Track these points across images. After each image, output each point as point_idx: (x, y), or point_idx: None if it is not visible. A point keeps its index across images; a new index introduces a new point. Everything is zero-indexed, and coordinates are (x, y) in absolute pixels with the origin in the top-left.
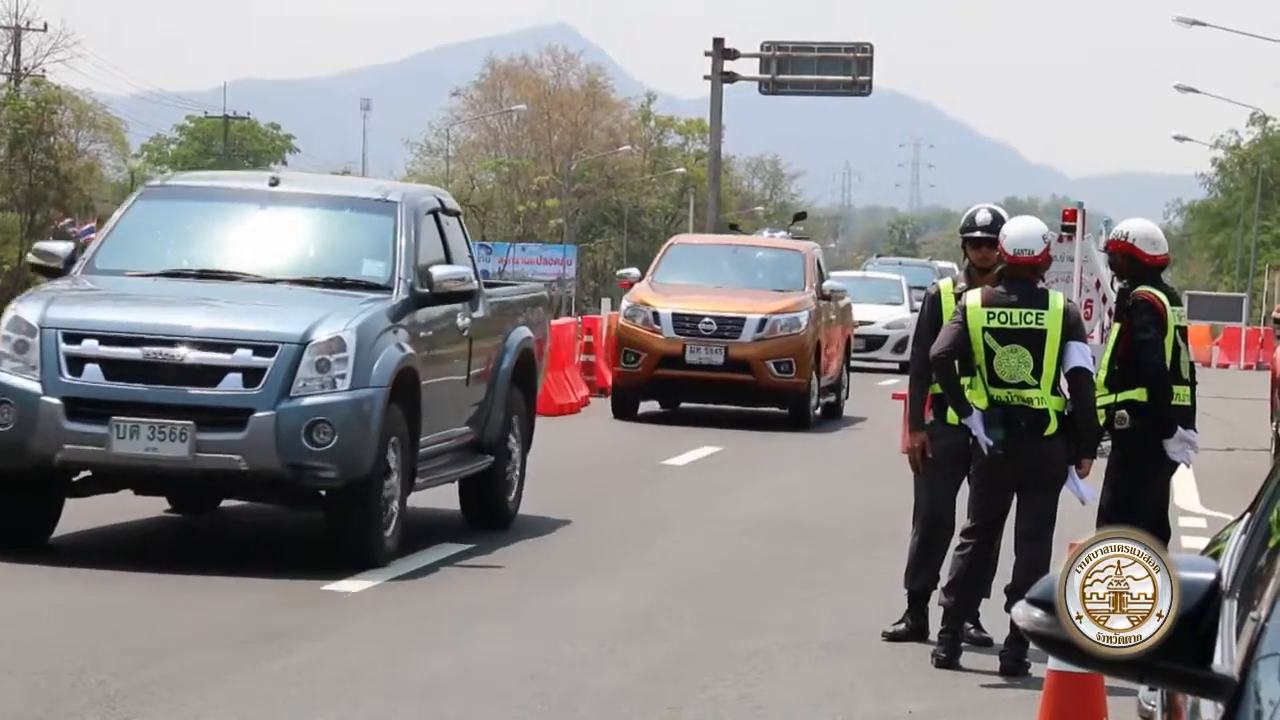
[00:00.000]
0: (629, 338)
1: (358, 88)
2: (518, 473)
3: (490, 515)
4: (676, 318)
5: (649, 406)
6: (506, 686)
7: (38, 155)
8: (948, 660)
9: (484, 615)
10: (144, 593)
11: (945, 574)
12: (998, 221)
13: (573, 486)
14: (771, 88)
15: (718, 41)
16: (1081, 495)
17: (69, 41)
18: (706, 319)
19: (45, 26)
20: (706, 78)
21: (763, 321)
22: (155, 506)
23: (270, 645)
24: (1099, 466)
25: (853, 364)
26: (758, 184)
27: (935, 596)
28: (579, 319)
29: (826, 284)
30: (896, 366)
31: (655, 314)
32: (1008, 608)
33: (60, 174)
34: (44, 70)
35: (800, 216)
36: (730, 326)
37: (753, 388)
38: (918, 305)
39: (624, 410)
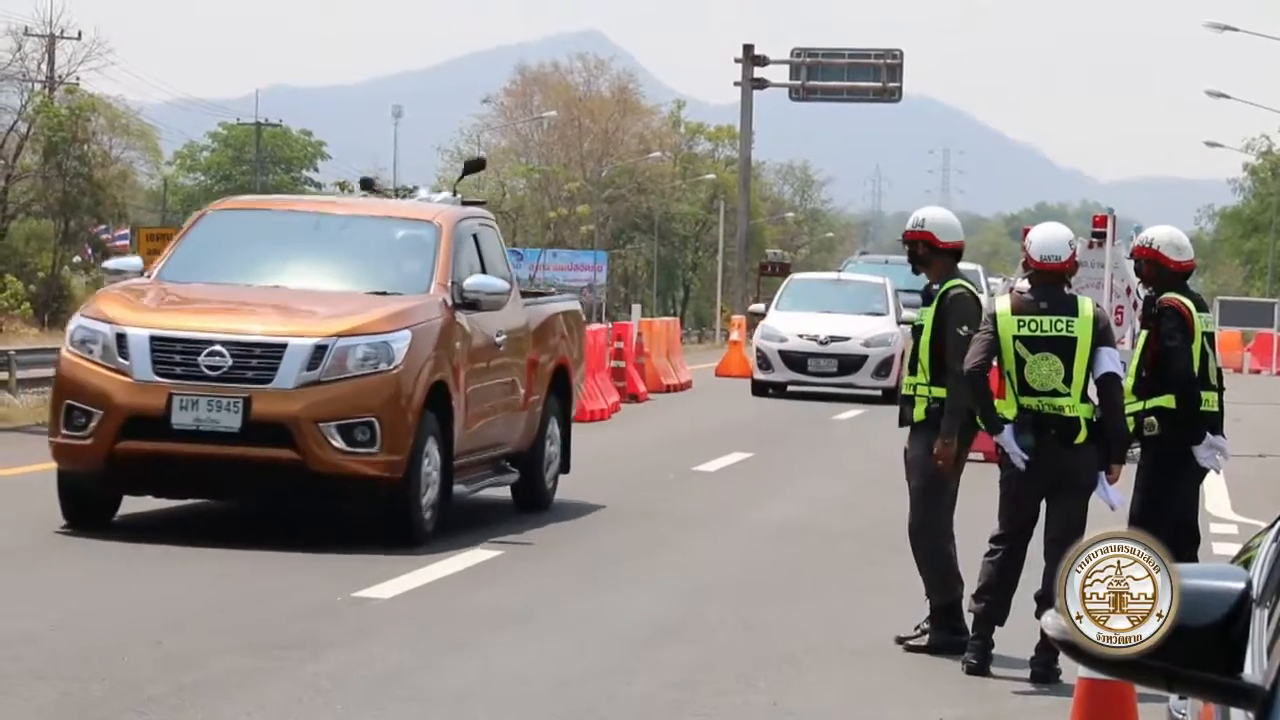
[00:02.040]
0: (74, 381)
1: (389, 95)
2: None
3: None
4: (157, 345)
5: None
6: (536, 693)
7: (71, 162)
8: (979, 667)
9: (513, 621)
10: (176, 599)
11: (975, 580)
12: (925, 219)
13: (603, 492)
14: (801, 94)
15: (748, 48)
16: (1111, 501)
17: (102, 49)
18: (215, 347)
19: (79, 35)
20: (737, 84)
21: (319, 351)
22: (181, 510)
23: (300, 651)
24: (1128, 472)
25: (828, 392)
26: (788, 190)
27: (966, 603)
28: (610, 325)
29: (472, 282)
30: (880, 394)
31: (121, 338)
32: (1038, 615)
33: (94, 181)
34: (78, 78)
35: (475, 166)
36: (257, 361)
37: (299, 471)
38: (909, 315)
39: (81, 514)
